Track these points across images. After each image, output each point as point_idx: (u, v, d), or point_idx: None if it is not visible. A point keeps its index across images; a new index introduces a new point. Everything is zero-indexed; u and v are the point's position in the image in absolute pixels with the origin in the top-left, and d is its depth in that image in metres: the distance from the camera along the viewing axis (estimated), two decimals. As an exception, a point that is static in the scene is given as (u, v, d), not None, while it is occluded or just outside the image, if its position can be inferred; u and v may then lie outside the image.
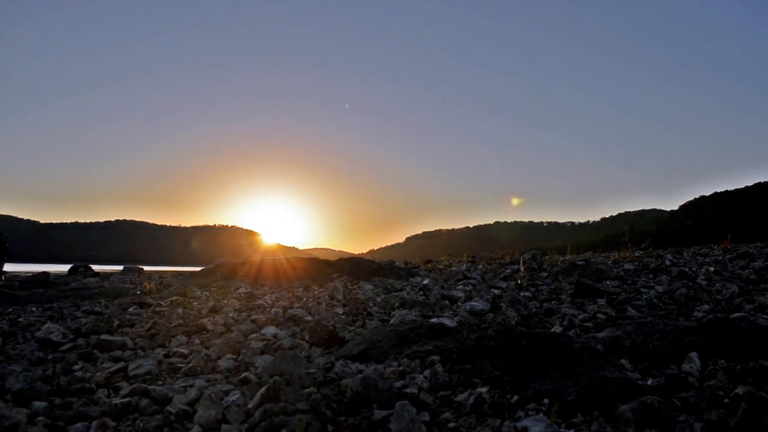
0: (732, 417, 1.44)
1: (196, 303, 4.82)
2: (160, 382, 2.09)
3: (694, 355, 2.03)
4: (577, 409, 1.61)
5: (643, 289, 4.53)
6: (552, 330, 2.99)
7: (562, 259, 8.80)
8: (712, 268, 5.60)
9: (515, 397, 1.73)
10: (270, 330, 3.23)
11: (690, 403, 1.57)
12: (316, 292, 5.55)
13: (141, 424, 1.59)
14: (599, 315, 3.36)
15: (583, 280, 4.59)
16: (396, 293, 5.09)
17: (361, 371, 2.16)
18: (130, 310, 4.43)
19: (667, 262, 6.70)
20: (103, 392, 1.94)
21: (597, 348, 2.16)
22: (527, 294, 4.80)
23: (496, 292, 4.98)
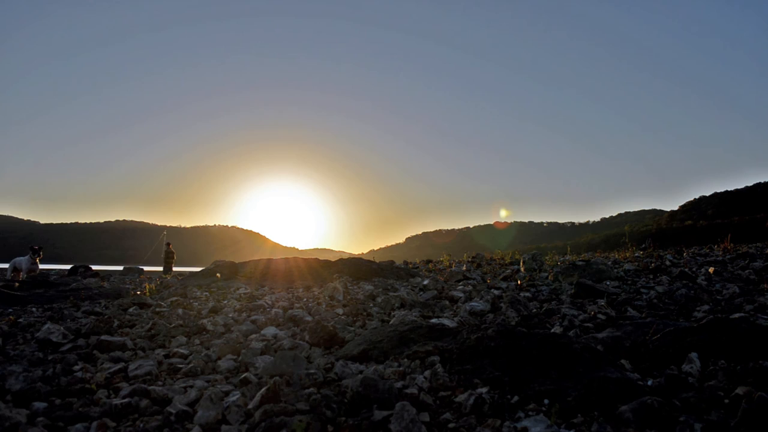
0: (732, 417, 1.43)
1: (196, 303, 4.82)
2: (160, 383, 2.09)
3: (694, 355, 2.03)
4: (577, 409, 1.61)
5: (643, 290, 4.53)
6: (552, 330, 2.99)
7: (562, 259, 8.80)
8: (711, 269, 5.60)
9: (515, 398, 1.73)
10: (270, 330, 3.23)
11: (690, 404, 1.57)
12: (316, 293, 5.55)
13: (141, 425, 1.59)
14: (599, 315, 3.36)
15: (583, 280, 4.59)
16: (396, 294, 5.09)
17: (361, 372, 2.16)
18: (130, 310, 4.43)
19: (667, 263, 6.70)
20: (103, 393, 1.94)
21: (597, 348, 2.16)
22: (527, 294, 4.80)
23: (496, 292, 4.98)
